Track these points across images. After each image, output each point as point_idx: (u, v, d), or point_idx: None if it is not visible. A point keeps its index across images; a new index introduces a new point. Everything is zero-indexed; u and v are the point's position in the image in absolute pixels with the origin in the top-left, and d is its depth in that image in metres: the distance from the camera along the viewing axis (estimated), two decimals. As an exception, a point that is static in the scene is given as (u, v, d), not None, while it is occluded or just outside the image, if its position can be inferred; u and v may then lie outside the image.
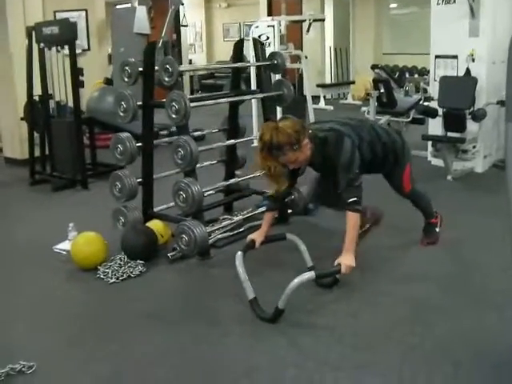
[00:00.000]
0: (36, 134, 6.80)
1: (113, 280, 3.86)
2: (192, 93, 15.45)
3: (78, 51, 10.41)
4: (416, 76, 12.00)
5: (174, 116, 3.98)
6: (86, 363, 2.97)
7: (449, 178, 6.23)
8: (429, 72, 7.57)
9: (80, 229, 4.41)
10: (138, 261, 4.06)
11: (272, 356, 2.97)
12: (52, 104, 6.63)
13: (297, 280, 3.13)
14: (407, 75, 12.30)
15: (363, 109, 8.53)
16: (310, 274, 3.16)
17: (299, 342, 3.09)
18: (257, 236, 3.70)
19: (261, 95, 4.86)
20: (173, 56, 3.98)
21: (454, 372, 2.81)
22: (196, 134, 4.95)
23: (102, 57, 9.85)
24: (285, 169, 3.46)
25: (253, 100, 8.44)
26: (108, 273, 3.92)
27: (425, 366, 2.85)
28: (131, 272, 3.95)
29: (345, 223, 3.42)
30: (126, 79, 4.19)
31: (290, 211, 4.89)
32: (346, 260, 3.26)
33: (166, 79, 4.01)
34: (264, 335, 3.16)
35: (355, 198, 3.43)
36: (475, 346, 3.01)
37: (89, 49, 10.44)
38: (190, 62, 16.11)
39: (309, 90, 9.47)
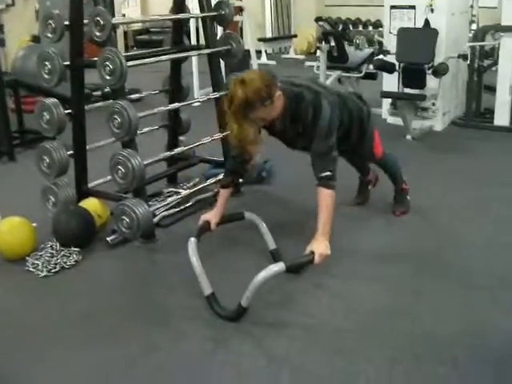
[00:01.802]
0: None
1: (44, 273, 3.29)
2: (127, 49, 14.62)
3: (0, 6, 9.68)
4: (369, 28, 11.50)
5: (107, 77, 3.39)
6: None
7: (408, 137, 5.83)
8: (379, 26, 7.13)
9: (5, 210, 3.79)
10: (73, 248, 3.49)
11: (235, 364, 2.50)
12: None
13: (263, 274, 2.63)
14: (351, 27, 11.86)
15: (308, 64, 8.04)
16: (279, 267, 2.65)
17: (266, 345, 2.62)
18: (211, 216, 3.20)
19: (208, 50, 4.29)
20: (104, 7, 3.33)
21: (450, 373, 2.41)
22: (133, 96, 4.36)
23: (29, 12, 9.04)
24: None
25: (194, 58, 7.85)
26: (38, 265, 3.35)
27: (417, 370, 2.43)
28: (65, 262, 3.38)
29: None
30: (49, 35, 3.55)
31: (241, 180, 4.36)
32: (320, 247, 2.77)
33: (98, 34, 3.40)
34: (224, 337, 2.67)
35: (329, 173, 2.96)
36: (469, 340, 2.62)
37: (13, 4, 9.61)
38: (124, 16, 15.20)
39: (252, 44, 8.89)
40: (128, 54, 3.68)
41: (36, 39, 7.88)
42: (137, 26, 15.15)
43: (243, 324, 2.75)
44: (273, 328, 2.74)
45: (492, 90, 6.37)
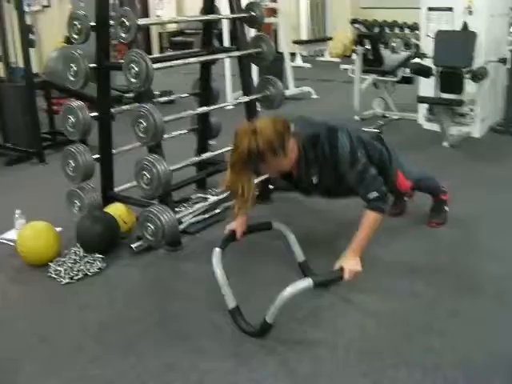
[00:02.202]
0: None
1: (66, 280, 3.22)
2: (161, 51, 14.61)
3: (36, 8, 9.71)
4: (406, 31, 11.24)
5: (133, 80, 3.29)
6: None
7: (445, 144, 5.64)
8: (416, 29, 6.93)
9: (31, 213, 3.75)
10: (97, 254, 3.41)
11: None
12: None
13: (289, 290, 2.49)
14: (387, 30, 11.64)
15: (344, 67, 7.88)
16: (306, 283, 2.51)
17: (291, 364, 2.48)
18: (237, 226, 3.06)
19: (237, 53, 4.17)
20: (131, 7, 3.24)
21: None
22: (162, 99, 4.28)
23: (64, 14, 9.02)
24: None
25: (226, 60, 7.75)
26: (60, 271, 3.27)
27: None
28: (88, 269, 3.30)
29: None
30: (74, 36, 3.48)
31: (271, 187, 4.23)
32: (350, 263, 2.65)
33: (123, 35, 3.31)
34: (248, 355, 2.54)
35: (376, 193, 2.80)
36: (508, 364, 2.45)
37: (49, 5, 9.63)
38: (158, 17, 15.19)
39: (286, 46, 8.76)
40: (154, 56, 3.55)
41: (69, 41, 7.86)
42: (171, 28, 15.11)
43: (268, 341, 2.62)
44: (299, 346, 2.61)
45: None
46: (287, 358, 2.51)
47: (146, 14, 14.18)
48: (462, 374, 2.38)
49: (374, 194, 2.79)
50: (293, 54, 11.24)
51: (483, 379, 2.36)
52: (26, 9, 9.32)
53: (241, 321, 2.70)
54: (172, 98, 4.94)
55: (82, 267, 3.30)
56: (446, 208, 3.82)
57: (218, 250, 2.87)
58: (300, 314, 2.81)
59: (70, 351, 2.63)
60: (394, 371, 2.40)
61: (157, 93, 7.96)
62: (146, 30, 13.91)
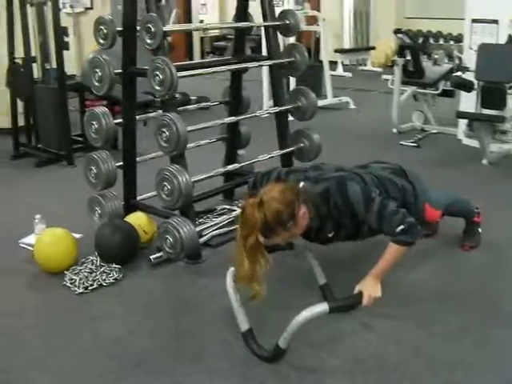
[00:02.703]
0: (21, 102, 6.02)
1: (80, 290, 3.14)
2: (202, 56, 14.61)
3: (79, 10, 9.75)
4: (450, 42, 10.98)
5: (157, 88, 3.20)
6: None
7: (484, 161, 5.43)
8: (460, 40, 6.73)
9: (53, 218, 3.72)
10: (114, 265, 3.32)
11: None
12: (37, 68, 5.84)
13: (304, 314, 2.35)
14: (431, 41, 11.41)
15: (385, 77, 7.70)
16: (321, 308, 2.37)
17: (304, 393, 2.35)
18: (258, 245, 2.92)
19: (269, 62, 4.06)
20: (158, 12, 3.15)
21: None
22: (191, 107, 4.19)
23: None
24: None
25: (264, 67, 7.64)
26: (75, 280, 3.20)
27: None
28: (103, 280, 3.22)
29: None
30: (100, 41, 3.41)
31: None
32: (369, 287, 2.51)
33: (148, 41, 3.23)
34: (259, 380, 2.41)
35: (401, 227, 2.60)
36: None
37: (91, 7, 9.66)
38: (201, 22, 15.19)
39: (326, 55, 8.61)
40: (180, 63, 3.46)
41: (112, 45, 7.85)
42: (214, 33, 15.09)
43: (281, 366, 2.49)
44: (314, 373, 2.47)
45: None
46: (300, 386, 2.38)
47: (189, 19, 14.19)
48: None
49: (399, 228, 2.61)
50: (334, 63, 11.09)
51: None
52: (69, 10, 9.44)
53: (253, 344, 2.57)
54: (203, 105, 4.84)
55: (97, 277, 3.22)
56: (479, 230, 3.64)
57: (232, 269, 2.74)
58: (317, 339, 2.67)
59: (79, 364, 2.56)
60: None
61: (193, 98, 7.93)
62: (188, 34, 13.93)
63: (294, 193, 2.60)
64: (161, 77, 3.15)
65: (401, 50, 6.91)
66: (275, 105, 4.11)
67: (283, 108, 4.00)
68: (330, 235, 2.87)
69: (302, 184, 2.74)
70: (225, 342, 2.68)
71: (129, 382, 2.43)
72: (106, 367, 2.52)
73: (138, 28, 3.31)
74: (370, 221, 2.71)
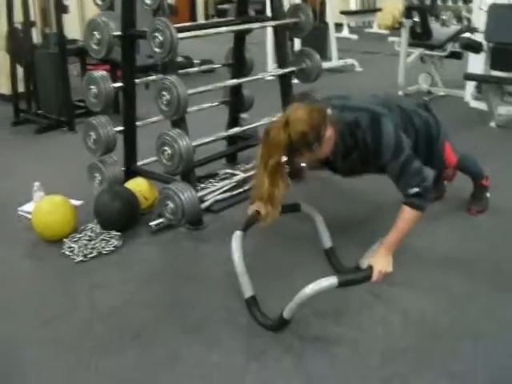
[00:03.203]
0: (20, 68, 5.91)
1: (80, 258, 3.08)
2: (207, 18, 14.40)
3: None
4: (458, 3, 10.73)
5: (157, 50, 3.10)
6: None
7: (492, 124, 5.32)
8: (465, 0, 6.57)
9: (55, 183, 3.73)
10: (114, 232, 3.26)
11: (267, 383, 2.19)
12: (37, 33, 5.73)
13: (311, 287, 2.27)
14: (439, 2, 11.19)
15: (391, 39, 7.54)
16: (330, 282, 2.28)
17: (306, 363, 2.28)
18: (262, 206, 2.84)
19: (272, 23, 3.95)
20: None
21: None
22: (193, 70, 4.08)
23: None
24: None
25: (269, 29, 7.49)
26: (74, 248, 3.14)
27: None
28: (103, 247, 3.16)
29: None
30: (98, 2, 3.30)
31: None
32: (380, 262, 2.41)
33: (147, 1, 3.12)
34: (261, 350, 2.36)
35: (417, 189, 2.52)
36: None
37: (91, -31, 9.45)
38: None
39: (332, 17, 8.44)
40: (181, 25, 3.34)
41: (111, 6, 7.68)
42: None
43: (284, 335, 2.43)
44: (317, 343, 2.41)
45: None
46: (303, 356, 2.32)
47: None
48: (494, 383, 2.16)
49: (414, 190, 2.52)
50: (340, 25, 10.89)
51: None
52: (69, -28, 9.22)
53: (256, 312, 2.52)
54: (206, 67, 4.74)
55: (97, 245, 3.17)
56: (488, 195, 3.56)
57: (238, 233, 2.66)
58: (322, 307, 2.60)
59: (76, 335, 2.50)
60: (417, 378, 2.19)
61: (197, 61, 7.80)
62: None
63: (321, 114, 2.51)
64: (160, 38, 3.04)
65: (408, 12, 6.73)
66: (279, 67, 4.00)
67: (287, 70, 3.90)
68: (356, 161, 2.78)
69: (328, 110, 2.63)
70: (227, 310, 2.62)
71: (127, 353, 2.37)
72: (104, 338, 2.46)
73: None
74: (391, 169, 2.62)
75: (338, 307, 2.63)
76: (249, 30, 4.00)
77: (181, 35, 3.10)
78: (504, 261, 3.02)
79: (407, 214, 2.54)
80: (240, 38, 4.09)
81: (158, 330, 2.52)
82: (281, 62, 4.01)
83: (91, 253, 3.11)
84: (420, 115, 3.01)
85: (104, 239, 3.21)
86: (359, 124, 2.63)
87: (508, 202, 3.65)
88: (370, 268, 2.38)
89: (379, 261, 2.42)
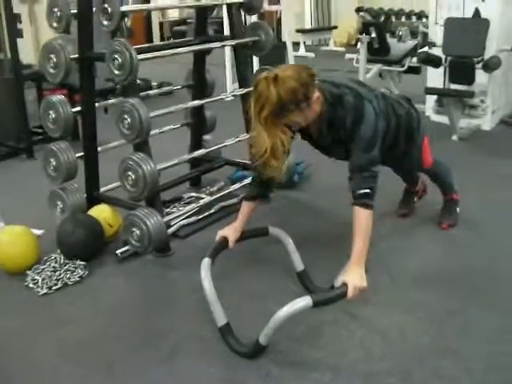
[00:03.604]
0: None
1: (44, 290, 2.94)
2: (162, 40, 14.32)
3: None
4: (413, 19, 10.88)
5: (117, 72, 3.01)
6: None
7: (454, 137, 5.35)
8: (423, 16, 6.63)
9: (13, 215, 3.57)
10: (78, 261, 3.14)
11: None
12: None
13: (285, 310, 2.20)
14: (393, 19, 11.32)
15: (348, 56, 7.58)
16: (304, 303, 2.20)
17: (289, 391, 2.21)
18: (230, 232, 2.76)
19: (232, 42, 3.89)
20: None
21: None
22: (152, 92, 4.00)
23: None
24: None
25: (227, 49, 7.47)
26: (38, 280, 3.00)
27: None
28: (68, 278, 3.03)
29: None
30: (54, 24, 3.20)
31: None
32: (354, 278, 2.32)
33: (105, 23, 3.03)
34: (238, 379, 2.26)
35: (367, 190, 2.49)
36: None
37: (45, -6, 9.31)
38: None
39: (289, 35, 8.46)
40: (139, 46, 3.26)
41: (67, 29, 7.56)
42: (173, 17, 14.83)
43: (261, 362, 2.34)
44: (297, 369, 2.32)
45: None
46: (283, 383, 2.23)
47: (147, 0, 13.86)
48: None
49: (364, 191, 2.49)
50: (297, 44, 10.94)
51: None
52: (24, -4, 9.06)
53: (231, 340, 2.43)
54: (166, 89, 4.66)
55: (61, 276, 3.03)
56: (458, 209, 3.55)
57: (207, 260, 2.58)
58: (298, 331, 2.53)
59: (44, 375, 2.36)
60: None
61: (154, 84, 7.73)
62: (146, 19, 13.65)
63: (309, 74, 2.46)
64: (120, 60, 2.95)
65: (365, 28, 6.77)
66: (240, 86, 3.94)
67: (250, 89, 3.83)
68: (337, 138, 2.69)
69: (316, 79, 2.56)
70: (201, 339, 2.52)
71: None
72: (73, 377, 2.34)
73: (94, 10, 3.11)
74: (354, 158, 2.58)
75: (313, 330, 2.56)
76: (209, 50, 3.93)
77: (140, 56, 3.01)
78: (479, 275, 2.99)
79: (363, 216, 2.47)
80: (200, 58, 4.02)
81: (131, 363, 2.40)
82: (242, 81, 3.95)
83: (56, 284, 2.98)
84: (403, 106, 3.02)
85: (69, 269, 3.08)
86: (343, 101, 2.58)
87: (476, 215, 3.65)
88: (345, 285, 2.30)
89: (352, 277, 2.33)
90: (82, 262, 3.14)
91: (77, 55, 3.27)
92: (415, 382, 2.22)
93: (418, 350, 2.41)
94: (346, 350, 2.42)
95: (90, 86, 3.40)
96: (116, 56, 2.96)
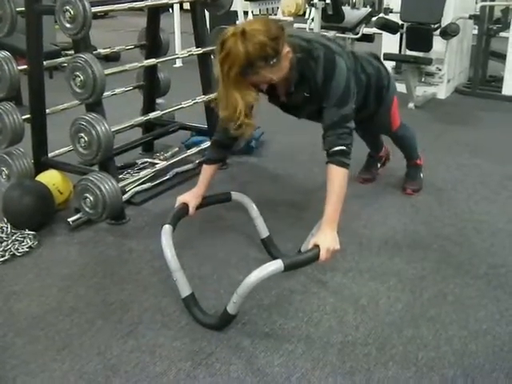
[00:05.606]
0: None
1: (-9, 262, 2.73)
2: None
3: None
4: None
5: (68, 26, 2.79)
6: None
7: (410, 105, 5.30)
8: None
9: None
10: (27, 231, 2.92)
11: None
12: None
13: (255, 274, 2.04)
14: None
15: (297, 25, 7.43)
16: (276, 266, 2.05)
17: (260, 363, 2.06)
18: (191, 198, 2.57)
19: (190, -2, 3.69)
20: None
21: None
22: (103, 51, 3.74)
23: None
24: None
25: (176, 14, 7.25)
26: (-16, 252, 2.79)
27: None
28: (16, 249, 2.81)
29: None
30: (-3, -27, 2.94)
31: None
32: (326, 240, 2.17)
33: (54, -29, 2.80)
34: (206, 353, 2.11)
35: (343, 147, 2.34)
36: (508, 356, 2.09)
37: None
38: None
39: (241, 3, 8.25)
40: (92, -1, 3.03)
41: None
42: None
43: (230, 333, 2.20)
44: (268, 340, 2.18)
45: (499, 56, 5.87)
46: (254, 356, 2.09)
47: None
48: (461, 370, 2.01)
49: (340, 147, 2.34)
50: (245, 13, 10.70)
51: (485, 374, 2.00)
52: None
53: (197, 311, 2.27)
54: (116, 49, 4.40)
55: (9, 246, 2.81)
56: (421, 174, 3.49)
57: (167, 226, 2.40)
58: (267, 299, 2.41)
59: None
60: (381, 371, 2.01)
61: (101, 50, 7.40)
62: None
63: (278, 27, 2.26)
64: (72, 12, 2.73)
65: (318, -6, 6.61)
66: (197, 46, 3.74)
67: (207, 49, 3.65)
68: (306, 95, 2.52)
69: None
70: (163, 312, 2.35)
71: (53, 370, 2.06)
72: (25, 355, 2.14)
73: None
74: (326, 115, 2.41)
75: (282, 299, 2.43)
76: (164, 6, 3.72)
77: (94, 9, 2.79)
78: (446, 239, 2.92)
79: (337, 174, 2.32)
80: (155, 15, 3.80)
81: (88, 339, 2.21)
82: (199, 41, 3.75)
83: (3, 255, 2.76)
84: (372, 63, 2.91)
85: (17, 239, 2.86)
86: (313, 55, 2.41)
87: (439, 180, 3.64)
88: (317, 247, 2.15)
89: (325, 238, 2.19)
90: (31, 232, 2.92)
91: (23, 8, 3.02)
92: (394, 352, 2.11)
93: (392, 317, 2.31)
94: (318, 319, 2.30)
95: (38, 41, 3.14)
96: (68, 7, 2.73)
